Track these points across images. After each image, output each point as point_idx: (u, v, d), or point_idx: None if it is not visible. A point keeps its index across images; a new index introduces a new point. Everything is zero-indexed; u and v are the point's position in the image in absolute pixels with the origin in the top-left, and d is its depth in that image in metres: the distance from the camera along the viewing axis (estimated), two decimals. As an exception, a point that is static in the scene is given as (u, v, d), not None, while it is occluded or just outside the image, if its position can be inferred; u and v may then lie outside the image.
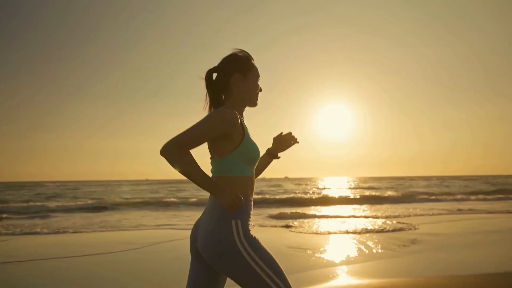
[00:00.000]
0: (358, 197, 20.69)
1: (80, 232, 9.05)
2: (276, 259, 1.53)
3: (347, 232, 8.23)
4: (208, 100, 1.69)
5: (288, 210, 13.50)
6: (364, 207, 16.09)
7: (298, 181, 67.58)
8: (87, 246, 6.95)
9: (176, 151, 1.42)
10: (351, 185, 44.72)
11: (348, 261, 5.42)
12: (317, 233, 8.31)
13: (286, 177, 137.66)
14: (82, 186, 46.24)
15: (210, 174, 1.66)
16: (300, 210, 13.79)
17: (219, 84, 1.68)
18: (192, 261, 1.66)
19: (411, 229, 8.67)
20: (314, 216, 12.11)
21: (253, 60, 1.72)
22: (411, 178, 75.56)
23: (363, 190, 31.37)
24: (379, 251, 6.13)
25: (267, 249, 1.54)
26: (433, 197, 21.02)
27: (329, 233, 8.31)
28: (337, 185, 45.48)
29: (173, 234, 8.42)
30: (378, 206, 16.25)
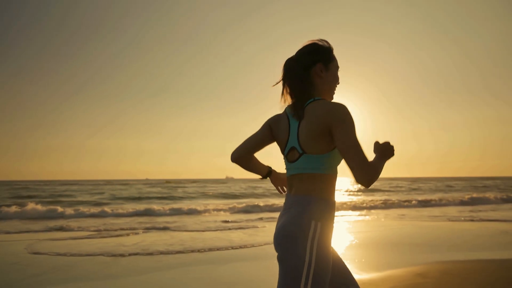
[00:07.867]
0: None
1: None
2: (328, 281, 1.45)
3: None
4: (288, 92, 1.59)
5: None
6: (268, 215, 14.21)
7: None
8: None
9: (375, 177, 1.42)
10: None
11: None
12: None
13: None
14: (52, 185, 41.48)
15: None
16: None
17: (299, 74, 1.57)
18: None
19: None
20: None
21: (333, 51, 1.64)
22: (405, 179, 74.13)
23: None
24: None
25: (329, 268, 1.44)
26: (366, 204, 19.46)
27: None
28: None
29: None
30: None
